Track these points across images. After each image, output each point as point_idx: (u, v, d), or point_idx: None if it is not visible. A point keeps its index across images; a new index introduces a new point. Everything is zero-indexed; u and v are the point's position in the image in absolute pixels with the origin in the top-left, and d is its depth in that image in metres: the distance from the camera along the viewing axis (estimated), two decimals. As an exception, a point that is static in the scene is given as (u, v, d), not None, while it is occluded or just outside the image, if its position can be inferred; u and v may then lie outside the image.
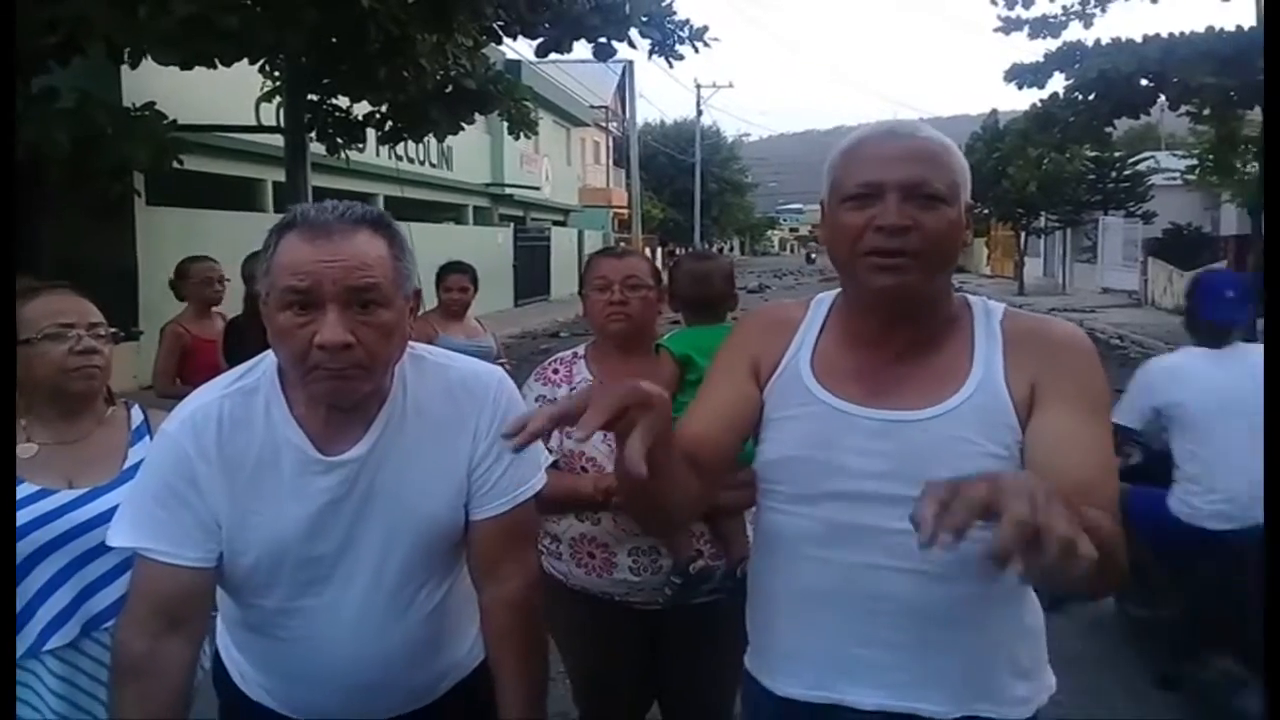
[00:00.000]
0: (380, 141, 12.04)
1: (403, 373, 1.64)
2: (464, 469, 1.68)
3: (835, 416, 1.53)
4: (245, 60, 8.97)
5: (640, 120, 41.39)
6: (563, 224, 34.27)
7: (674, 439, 1.43)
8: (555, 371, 2.56)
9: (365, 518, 1.62)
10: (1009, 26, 17.27)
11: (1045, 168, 28.19)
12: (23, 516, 1.94)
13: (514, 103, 12.00)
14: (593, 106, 36.90)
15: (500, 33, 10.96)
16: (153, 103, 8.44)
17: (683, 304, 2.80)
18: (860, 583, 1.52)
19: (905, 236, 1.45)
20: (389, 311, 1.52)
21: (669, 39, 10.59)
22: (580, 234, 32.58)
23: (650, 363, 2.51)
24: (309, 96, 10.88)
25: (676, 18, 10.61)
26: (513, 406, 1.73)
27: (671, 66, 11.03)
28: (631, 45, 10.59)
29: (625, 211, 38.48)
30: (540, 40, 10.52)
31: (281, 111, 10.95)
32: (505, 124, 12.70)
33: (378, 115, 11.41)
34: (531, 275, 26.69)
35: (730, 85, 53.68)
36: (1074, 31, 17.62)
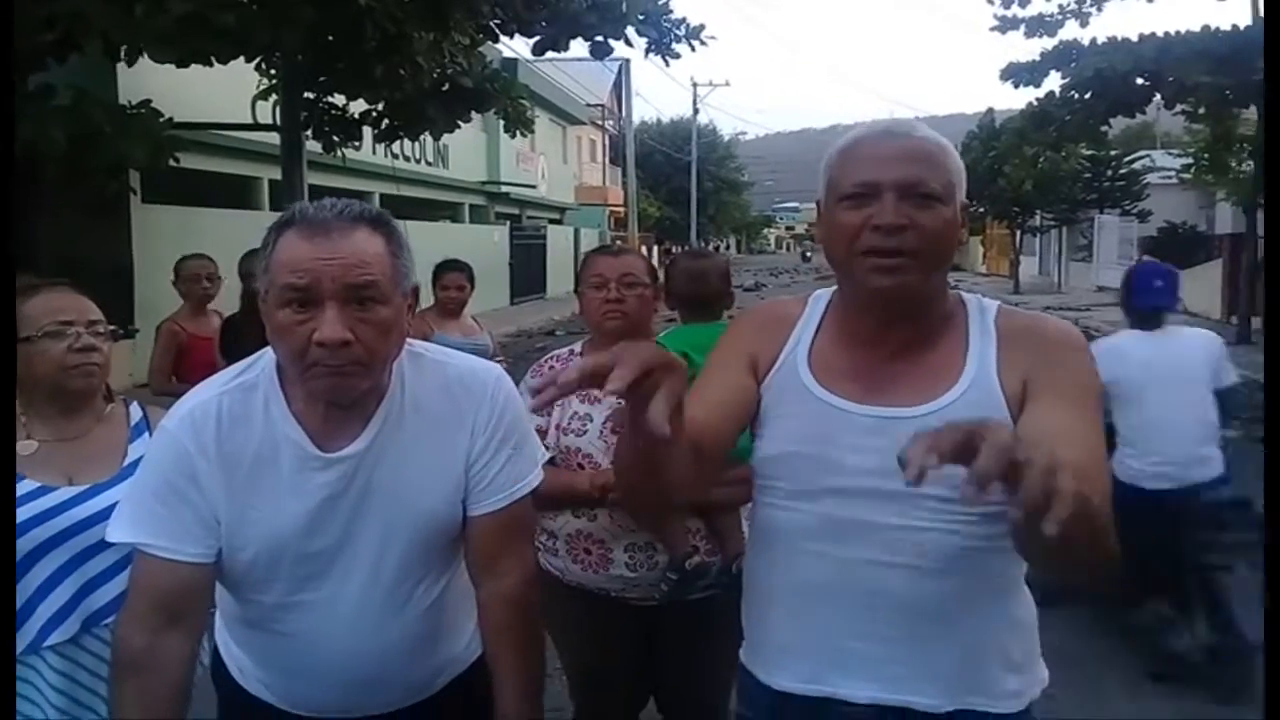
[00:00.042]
0: (376, 139, 12.04)
1: (401, 369, 1.65)
2: (462, 465, 1.69)
3: (832, 413, 1.55)
4: (241, 58, 8.97)
5: (636, 118, 41.38)
6: (559, 222, 34.25)
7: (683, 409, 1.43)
8: (551, 368, 2.57)
9: (363, 513, 1.63)
10: (1005, 25, 17.28)
11: (1041, 166, 28.22)
12: (23, 513, 1.95)
13: (510, 101, 12.00)
14: (589, 105, 36.88)
15: (497, 31, 10.97)
16: (149, 100, 8.43)
17: (679, 302, 2.81)
18: (855, 577, 1.53)
19: (902, 236, 1.46)
20: (387, 309, 1.53)
21: (665, 37, 10.60)
22: (576, 232, 32.56)
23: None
24: (305, 94, 10.87)
25: (673, 16, 10.62)
26: (510, 403, 1.74)
27: (668, 65, 11.01)
28: (628, 43, 10.60)
29: (621, 210, 38.47)
30: (537, 38, 10.53)
31: (278, 109, 10.93)
32: (501, 122, 12.70)
33: (374, 113, 11.41)
34: (528, 273, 26.69)
35: (727, 84, 53.71)
36: (1070, 30, 17.65)
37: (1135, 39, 15.67)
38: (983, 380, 1.52)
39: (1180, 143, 23.74)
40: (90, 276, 2.25)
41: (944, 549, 1.50)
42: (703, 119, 55.17)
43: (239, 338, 4.19)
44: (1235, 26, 15.00)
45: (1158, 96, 16.20)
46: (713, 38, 10.94)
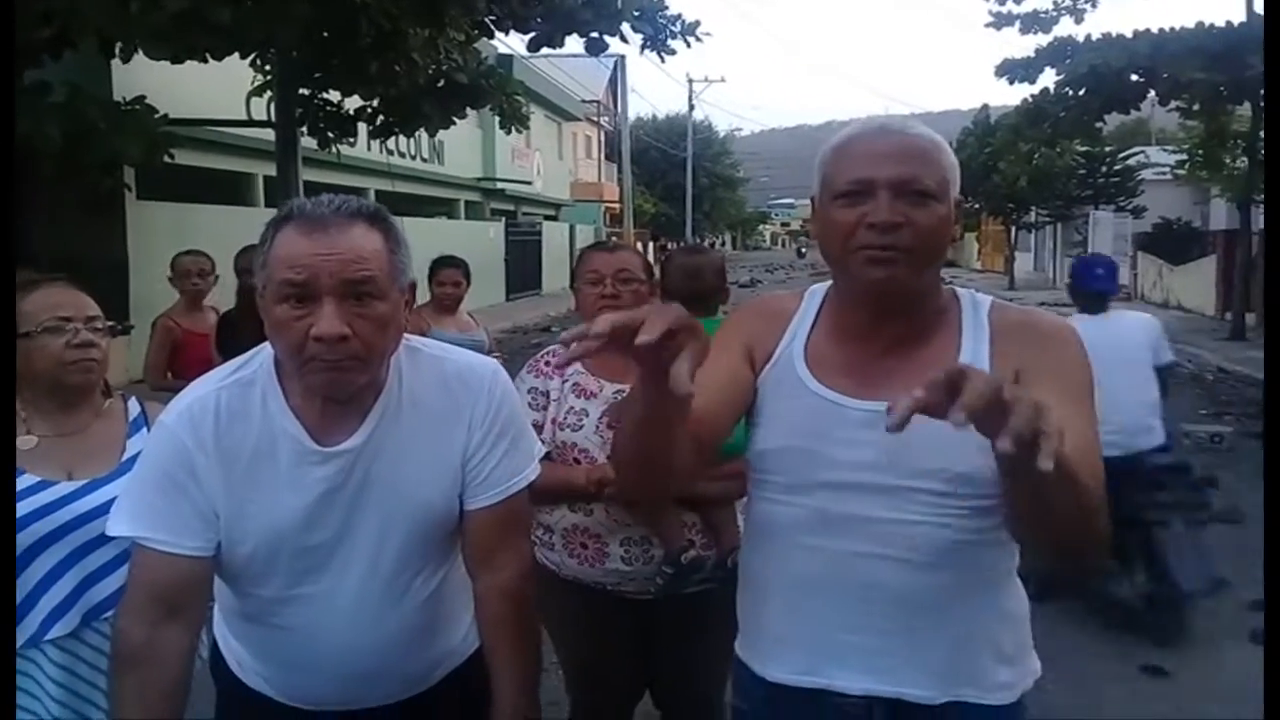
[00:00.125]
0: (371, 136, 12.05)
1: (398, 364, 1.66)
2: (459, 459, 1.70)
3: (826, 408, 1.56)
4: (236, 54, 8.97)
5: (632, 115, 41.32)
6: (554, 218, 34.24)
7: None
8: (547, 364, 2.58)
9: (361, 507, 1.64)
10: (1000, 21, 17.31)
11: (1036, 162, 28.24)
12: (23, 507, 1.96)
13: (506, 97, 12.00)
14: (584, 101, 36.84)
15: (492, 27, 10.97)
16: (143, 97, 8.43)
17: (674, 297, 2.81)
18: (848, 570, 1.55)
19: (897, 233, 1.47)
20: (384, 304, 1.54)
21: (661, 33, 10.61)
22: (572, 228, 32.55)
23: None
24: (300, 91, 10.87)
25: (668, 12, 10.64)
26: (507, 398, 1.75)
27: (663, 61, 11.03)
28: (623, 40, 10.62)
29: (617, 206, 38.45)
30: (532, 35, 10.53)
31: (272, 106, 10.92)
32: (497, 118, 12.69)
33: (369, 110, 11.40)
34: (523, 269, 26.68)
35: (722, 80, 53.60)
36: (1065, 27, 17.72)
37: (1130, 35, 15.72)
38: (975, 374, 1.53)
39: (1175, 139, 23.78)
40: (85, 273, 2.25)
41: (936, 542, 1.51)
42: (698, 115, 55.12)
43: (235, 333, 4.19)
44: (1229, 23, 15.06)
45: (1152, 93, 16.27)
46: (708, 34, 10.96)
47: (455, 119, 11.88)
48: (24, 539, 1.95)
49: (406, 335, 1.67)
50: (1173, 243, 23.66)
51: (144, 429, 2.16)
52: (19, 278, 2.02)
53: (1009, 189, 29.55)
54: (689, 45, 10.79)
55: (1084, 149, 27.81)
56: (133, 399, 2.27)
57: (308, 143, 11.40)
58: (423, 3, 9.33)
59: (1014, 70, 17.10)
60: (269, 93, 10.89)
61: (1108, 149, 28.88)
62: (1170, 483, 4.64)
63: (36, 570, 1.99)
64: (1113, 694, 4.03)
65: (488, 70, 11.79)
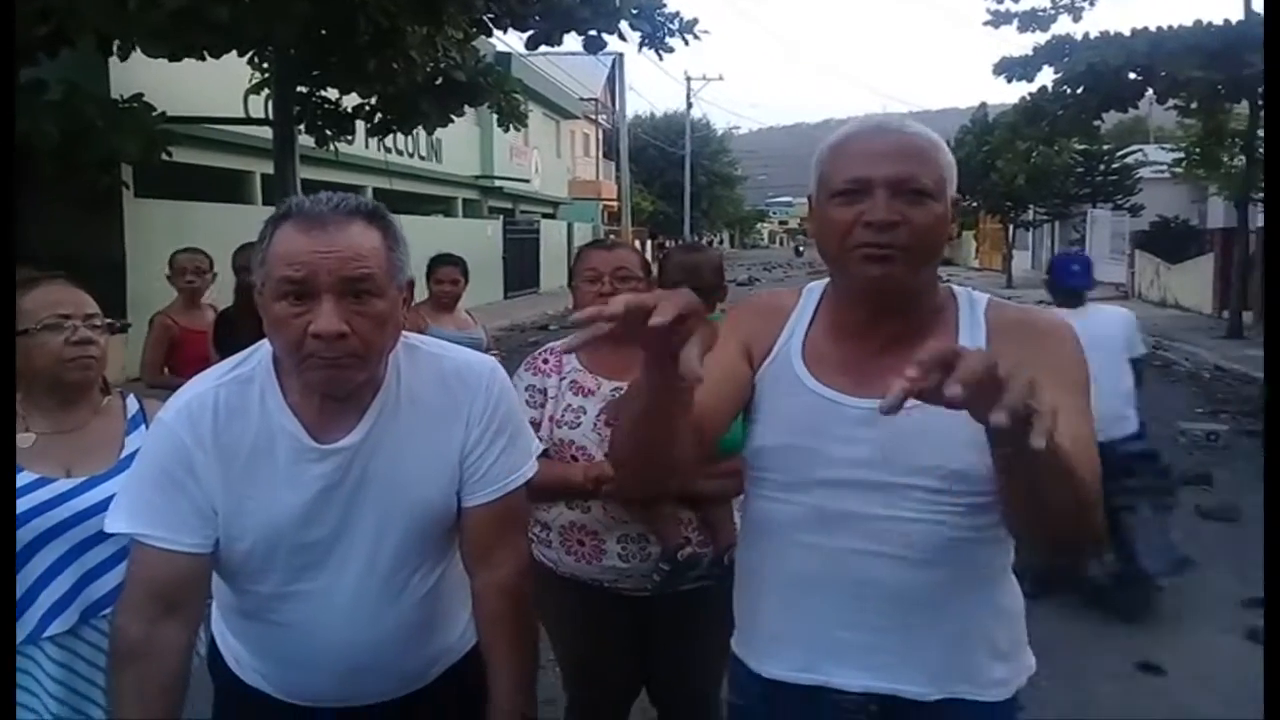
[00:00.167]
0: (369, 134, 12.04)
1: (396, 362, 1.67)
2: (456, 456, 1.70)
3: (824, 405, 1.56)
4: (234, 52, 8.96)
5: (630, 113, 41.27)
6: (552, 216, 34.24)
7: None
8: (545, 361, 2.58)
9: (359, 504, 1.65)
10: (998, 20, 17.31)
11: (1034, 161, 28.24)
12: (22, 504, 1.96)
13: (504, 95, 11.99)
14: (582, 99, 36.82)
15: (490, 25, 10.96)
16: (140, 94, 8.42)
17: (672, 295, 2.82)
18: (846, 567, 1.55)
19: (894, 231, 1.48)
20: (383, 301, 1.54)
21: (659, 31, 10.60)
22: (570, 226, 32.55)
23: (640, 353, 2.54)
24: (298, 88, 10.85)
25: (666, 10, 10.63)
26: (505, 395, 1.76)
27: (661, 59, 11.05)
28: (621, 38, 10.61)
29: (615, 204, 38.47)
30: (530, 32, 10.53)
31: (270, 103, 10.91)
32: (495, 116, 12.68)
33: (367, 107, 11.39)
34: (521, 268, 26.67)
35: (720, 78, 53.65)
36: (1063, 25, 17.71)
37: (1127, 33, 15.72)
38: (971, 372, 1.53)
39: (1173, 137, 23.79)
40: (83, 271, 2.26)
41: (931, 539, 1.52)
42: (696, 113, 55.18)
43: (233, 331, 4.20)
44: (1227, 21, 15.06)
45: (1150, 91, 16.26)
46: (706, 32, 10.96)
47: (453, 117, 11.87)
48: (23, 535, 1.96)
49: (405, 333, 1.68)
50: (1170, 241, 23.67)
51: (142, 426, 2.17)
52: (17, 275, 2.02)
53: (1007, 187, 29.55)
54: (687, 43, 10.80)
55: (1082, 147, 27.83)
56: (131, 396, 2.27)
57: (305, 140, 11.39)
58: (421, 0, 9.32)
59: (1012, 68, 17.10)
60: (267, 90, 10.88)
61: (1105, 147, 28.90)
62: (1139, 469, 4.86)
63: (35, 567, 2.00)
64: (1108, 691, 4.04)
65: (486, 68, 11.79)
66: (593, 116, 41.24)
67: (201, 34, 7.59)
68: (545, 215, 33.30)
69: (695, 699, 2.64)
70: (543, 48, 11.03)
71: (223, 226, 9.27)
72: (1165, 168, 24.13)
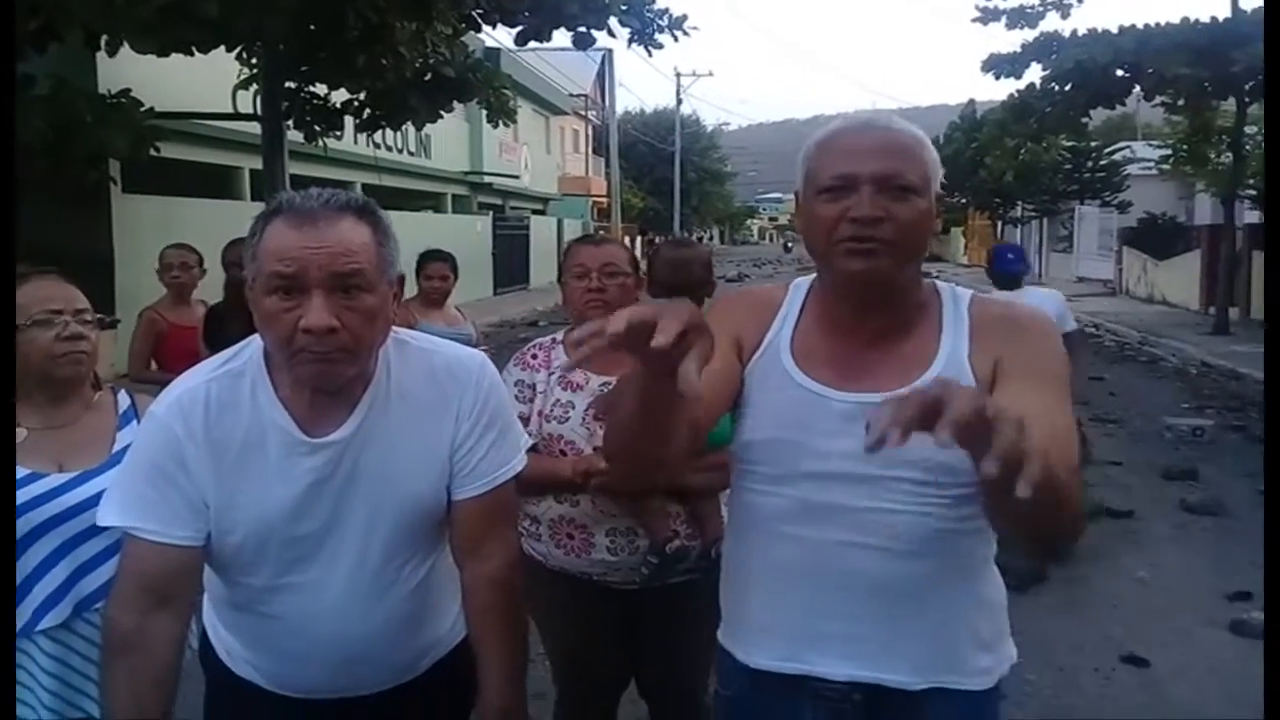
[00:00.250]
0: (358, 129, 12.00)
1: (387, 356, 1.68)
2: (446, 450, 1.72)
3: (811, 399, 1.58)
4: (222, 47, 8.93)
5: (620, 109, 41.29)
6: (542, 212, 34.18)
7: None
8: (534, 356, 2.60)
9: (349, 498, 1.66)
10: (987, 17, 17.34)
11: (1022, 157, 28.36)
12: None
13: (493, 91, 11.97)
14: (572, 95, 36.80)
15: (479, 21, 10.94)
16: (128, 90, 8.39)
17: (661, 290, 2.84)
18: (830, 559, 1.57)
19: (878, 227, 1.50)
20: (373, 296, 1.55)
21: (648, 27, 10.58)
22: (560, 223, 32.51)
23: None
24: (287, 84, 10.82)
25: (656, 6, 10.60)
26: (495, 390, 1.77)
27: (651, 55, 11.04)
28: (611, 34, 10.59)
29: (605, 200, 38.42)
30: (520, 28, 10.51)
31: (259, 99, 10.88)
32: (484, 112, 12.67)
33: (356, 103, 11.37)
34: (510, 264, 26.63)
35: (710, 74, 53.66)
36: (1051, 22, 17.82)
37: (1115, 31, 15.79)
38: (954, 365, 1.56)
39: (1160, 134, 23.87)
40: (71, 266, 2.26)
41: (916, 531, 1.54)
42: (686, 109, 55.27)
43: (223, 326, 4.20)
44: (1214, 18, 15.14)
45: (1137, 88, 16.35)
46: (696, 28, 10.94)
47: (442, 113, 11.86)
48: (15, 529, 1.96)
49: (395, 328, 1.69)
50: (1157, 238, 23.77)
51: (134, 421, 2.18)
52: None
53: (995, 184, 29.68)
54: (676, 39, 10.77)
55: (1070, 144, 27.94)
56: (122, 392, 2.28)
57: (294, 136, 11.35)
58: (410, -4, 9.31)
59: (1000, 65, 17.16)
60: (255, 86, 10.84)
61: (1093, 144, 29.03)
62: None
63: (28, 561, 2.00)
64: (1093, 683, 4.07)
65: (475, 64, 11.77)
66: (582, 112, 41.19)
67: (190, 29, 7.57)
68: (535, 211, 33.26)
69: (683, 690, 2.65)
70: (532, 44, 11.00)
71: (211, 222, 9.26)
72: (1153, 164, 24.24)
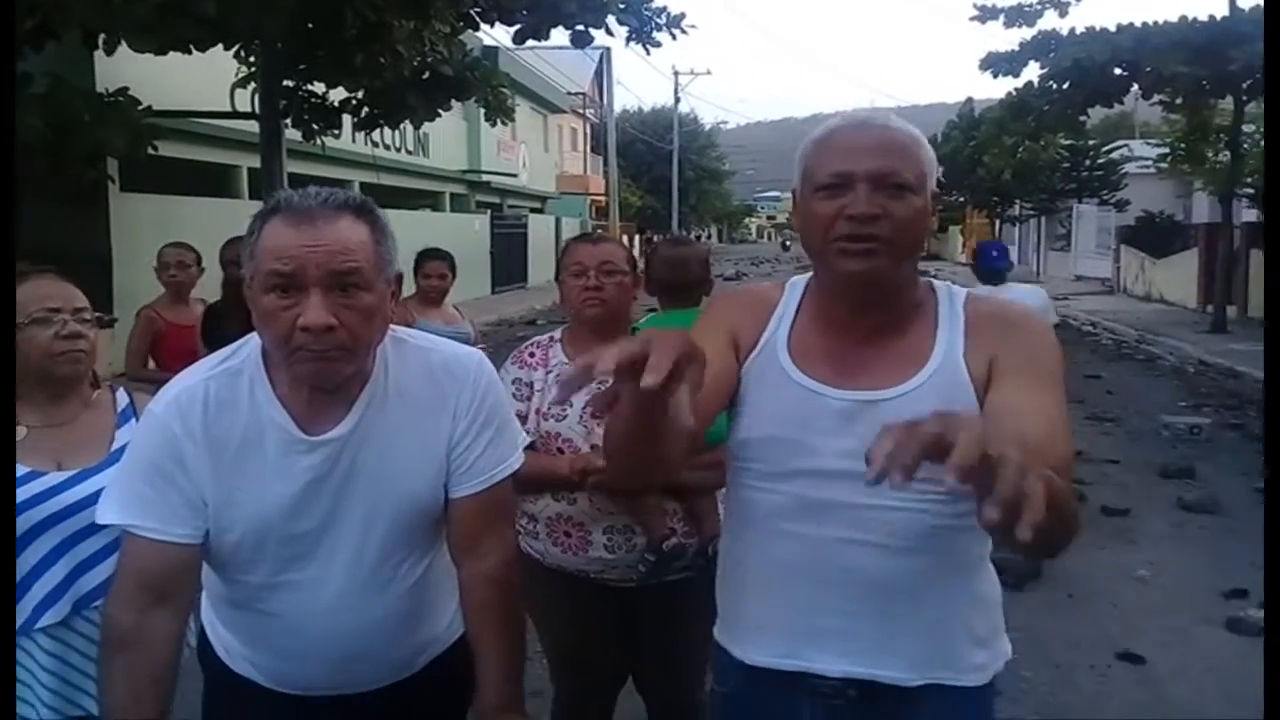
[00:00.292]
0: (356, 128, 12.01)
1: (384, 355, 1.68)
2: (444, 448, 1.72)
3: (807, 397, 1.59)
4: (220, 46, 8.93)
5: (618, 107, 41.25)
6: (540, 211, 34.19)
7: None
8: (531, 355, 2.60)
9: (347, 495, 1.66)
10: (985, 15, 17.35)
11: (1020, 156, 28.37)
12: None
13: (491, 89, 11.98)
14: (570, 93, 36.79)
15: (478, 19, 10.94)
16: (126, 88, 8.38)
17: (659, 288, 2.85)
18: (827, 555, 1.58)
19: (875, 224, 1.50)
20: (370, 295, 1.56)
21: (647, 26, 10.57)
22: (558, 221, 32.50)
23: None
24: (285, 82, 10.82)
25: (654, 4, 10.60)
26: (492, 388, 1.78)
27: (649, 53, 11.03)
28: (609, 32, 10.58)
29: (603, 199, 38.44)
30: (518, 27, 10.50)
31: (257, 98, 10.87)
32: (482, 111, 12.66)
33: (354, 101, 11.37)
34: (508, 262, 26.63)
35: (708, 72, 53.72)
36: (1049, 20, 17.83)
37: (1113, 29, 15.80)
38: (949, 363, 1.57)
39: (1158, 132, 23.88)
40: (68, 265, 2.26)
41: (913, 528, 1.55)
42: (684, 108, 55.22)
43: (221, 325, 4.20)
44: (1212, 17, 15.15)
45: (1135, 86, 16.36)
46: (694, 26, 10.94)
47: (440, 111, 11.85)
48: (15, 528, 1.97)
49: (392, 326, 1.70)
50: (1155, 236, 23.80)
51: (133, 420, 2.18)
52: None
53: (993, 182, 29.70)
54: (675, 38, 10.77)
55: (1068, 142, 27.96)
56: (121, 390, 2.28)
57: (292, 135, 11.35)
58: (408, -6, 9.31)
59: (998, 64, 17.16)
60: (253, 84, 10.84)
61: (1091, 142, 29.05)
62: None
63: (27, 559, 2.01)
64: (1089, 680, 4.08)
65: (473, 62, 11.77)
66: (580, 111, 41.20)
67: (188, 27, 7.56)
68: (533, 210, 33.26)
69: (680, 688, 2.66)
70: (530, 42, 11.00)
71: (209, 221, 9.25)
72: (1150, 163, 24.24)
